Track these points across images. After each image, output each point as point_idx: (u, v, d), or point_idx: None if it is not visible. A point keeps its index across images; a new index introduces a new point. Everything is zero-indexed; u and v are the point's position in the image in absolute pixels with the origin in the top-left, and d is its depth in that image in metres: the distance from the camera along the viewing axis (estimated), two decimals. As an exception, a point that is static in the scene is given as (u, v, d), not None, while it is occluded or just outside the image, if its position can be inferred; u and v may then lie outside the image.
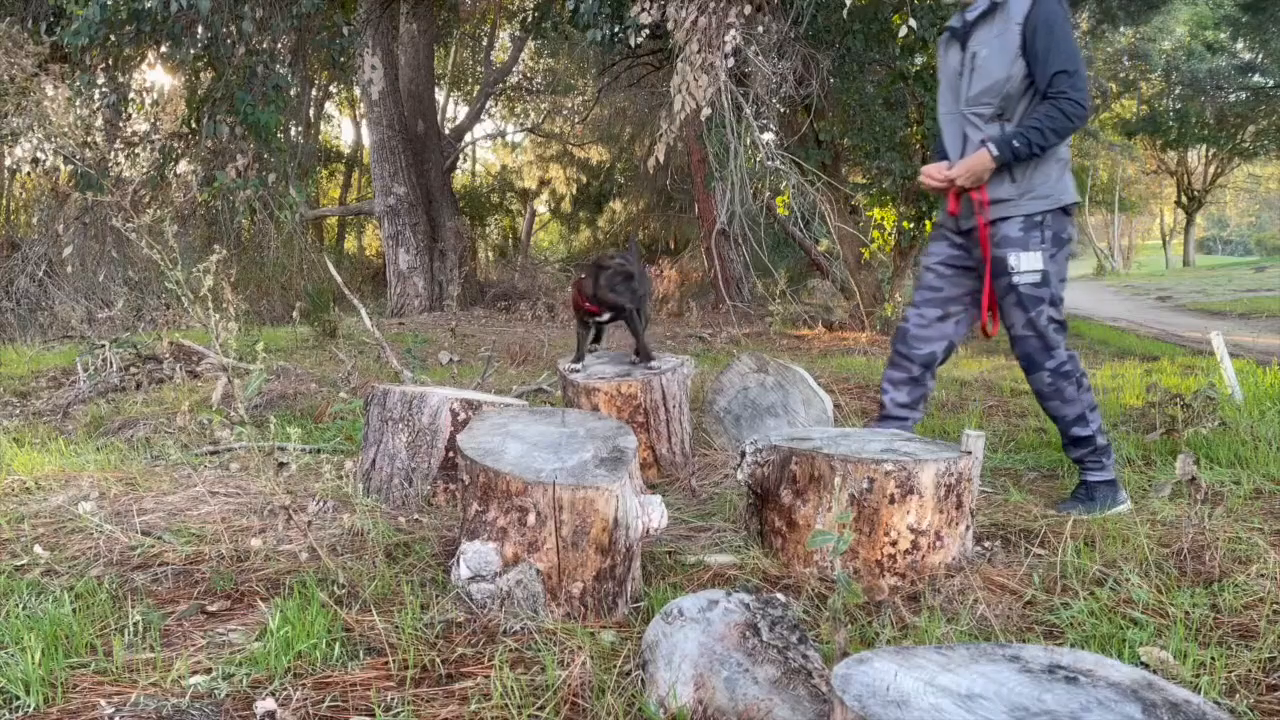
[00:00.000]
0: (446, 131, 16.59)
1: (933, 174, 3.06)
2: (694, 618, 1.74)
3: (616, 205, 21.01)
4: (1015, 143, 2.84)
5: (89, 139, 8.21)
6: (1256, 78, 26.02)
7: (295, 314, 8.23)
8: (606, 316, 3.74)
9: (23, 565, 2.37)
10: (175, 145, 8.73)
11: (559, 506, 2.06)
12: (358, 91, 16.00)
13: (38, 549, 2.45)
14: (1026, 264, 2.94)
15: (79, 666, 1.84)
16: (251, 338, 5.82)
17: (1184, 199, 33.17)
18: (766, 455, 2.55)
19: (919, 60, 9.25)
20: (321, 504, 2.90)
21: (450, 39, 17.62)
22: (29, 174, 10.12)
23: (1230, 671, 1.82)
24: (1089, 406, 3.05)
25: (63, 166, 8.57)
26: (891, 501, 2.33)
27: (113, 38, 7.29)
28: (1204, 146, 29.76)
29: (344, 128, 23.32)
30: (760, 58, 7.09)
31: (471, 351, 7.37)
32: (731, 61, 6.72)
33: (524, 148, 23.79)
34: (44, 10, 7.88)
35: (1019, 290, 2.96)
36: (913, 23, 7.47)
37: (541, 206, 22.96)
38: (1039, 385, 3.07)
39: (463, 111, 19.96)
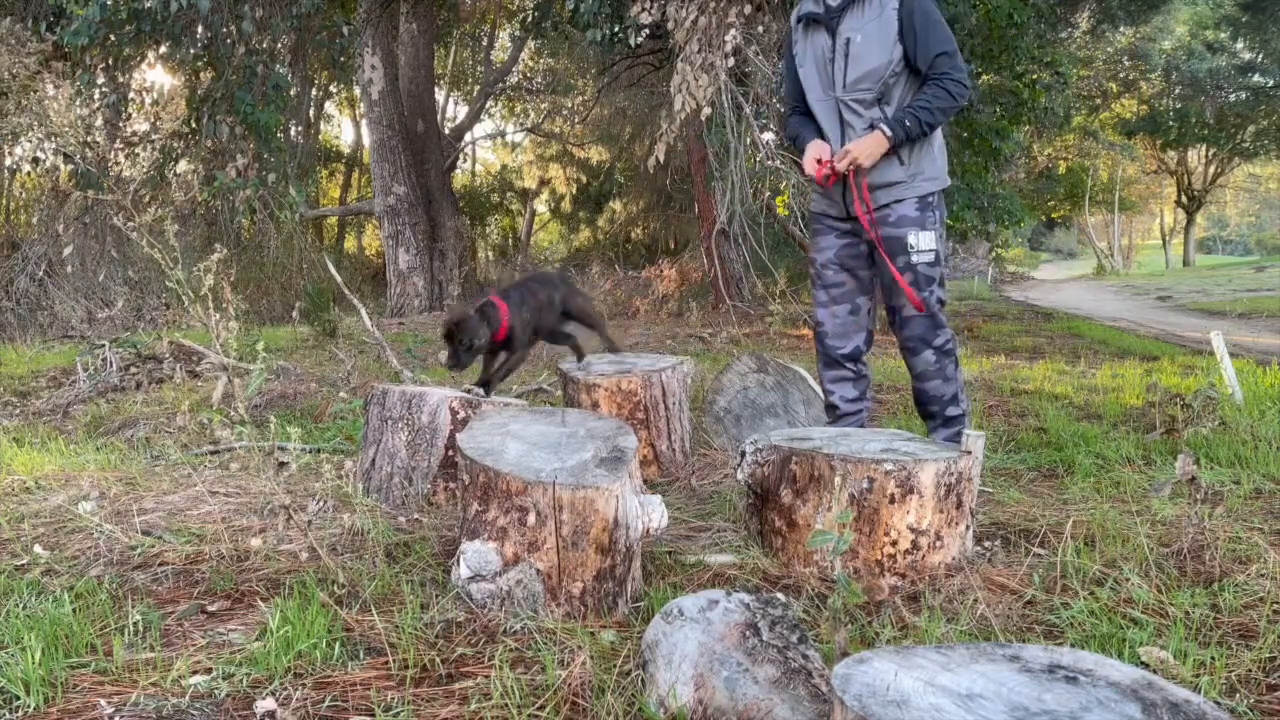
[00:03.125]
0: (446, 131, 16.60)
1: (821, 156, 3.02)
2: (694, 618, 1.74)
3: (616, 205, 21.01)
4: (907, 122, 2.86)
5: (89, 138, 8.21)
6: (1256, 78, 26.04)
7: (295, 314, 8.23)
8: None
9: (23, 565, 2.38)
10: (175, 145, 8.74)
11: (559, 506, 2.06)
12: (358, 91, 16.00)
13: (38, 549, 2.45)
14: (924, 243, 3.00)
15: (79, 666, 1.84)
16: (251, 337, 5.82)
17: (1184, 199, 33.20)
18: (766, 455, 2.55)
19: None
20: (321, 504, 2.90)
21: (450, 39, 17.62)
22: (29, 174, 10.12)
23: (1230, 671, 1.82)
24: (960, 385, 3.17)
25: (63, 166, 8.57)
26: (891, 501, 2.33)
27: (113, 37, 7.30)
28: (1204, 146, 29.78)
29: (344, 128, 23.34)
30: (760, 58, 7.08)
31: (471, 351, 7.35)
32: (731, 61, 6.72)
33: (524, 147, 23.81)
34: (44, 10, 7.88)
35: (916, 269, 3.01)
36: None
37: (541, 206, 22.97)
38: (923, 365, 3.11)
39: (463, 111, 19.98)
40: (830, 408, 3.28)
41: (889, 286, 3.07)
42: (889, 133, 2.87)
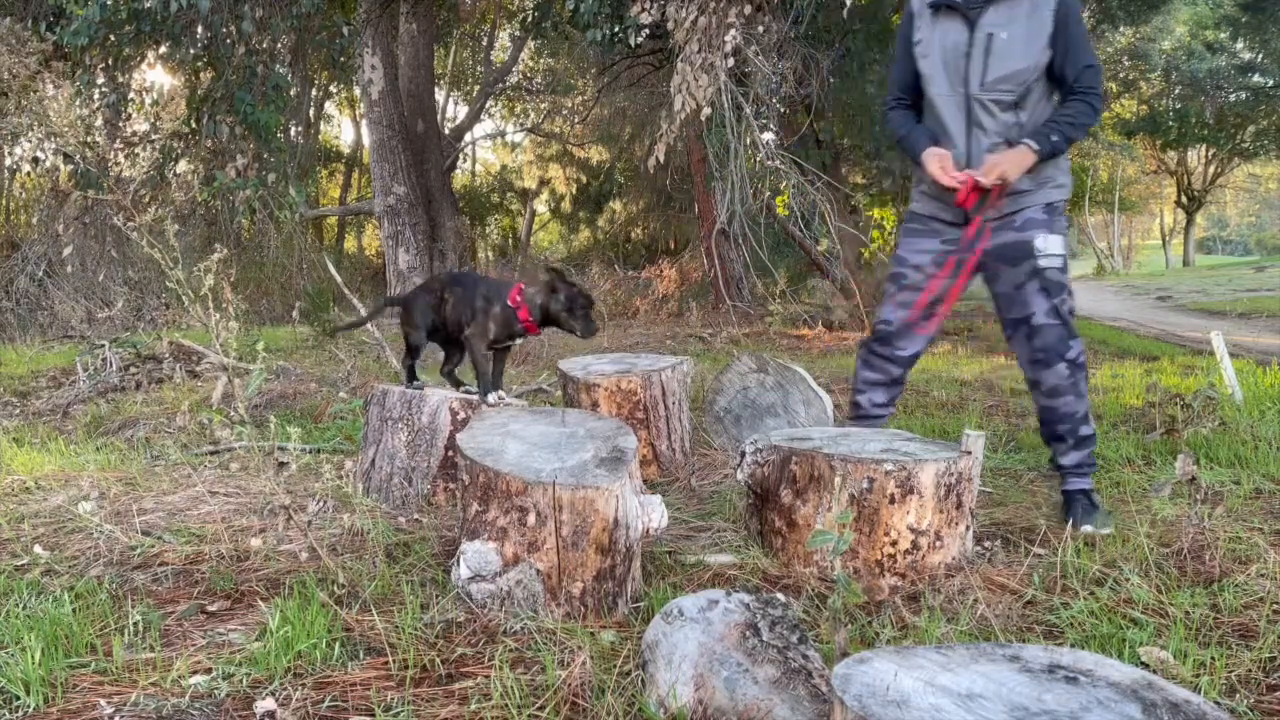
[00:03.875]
0: (446, 131, 16.60)
1: (947, 167, 2.78)
2: (694, 618, 1.74)
3: (616, 205, 21.01)
4: (1054, 137, 2.68)
5: (89, 138, 8.21)
6: (1256, 78, 26.02)
7: (295, 314, 8.23)
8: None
9: (23, 565, 2.38)
10: (175, 145, 8.74)
11: (559, 506, 2.06)
12: (358, 91, 16.01)
13: (38, 549, 2.45)
14: (1052, 246, 2.77)
15: (79, 666, 1.84)
16: (251, 338, 5.82)
17: (1184, 199, 33.18)
18: (766, 455, 2.55)
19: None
20: (321, 504, 2.90)
21: (450, 39, 17.62)
22: (29, 174, 10.12)
23: (1230, 671, 1.82)
24: (1089, 403, 2.90)
25: (63, 166, 8.57)
26: (891, 501, 2.32)
27: (113, 37, 7.30)
28: (1204, 146, 29.77)
29: (344, 128, 23.35)
30: (760, 58, 7.09)
31: (471, 351, 7.35)
32: (731, 61, 6.72)
33: (524, 148, 23.81)
34: (44, 10, 7.88)
35: (1045, 275, 2.77)
36: (913, 23, 7.45)
37: (541, 206, 22.97)
38: (1055, 379, 2.82)
39: (463, 111, 19.98)
40: (854, 405, 3.11)
41: (1008, 296, 2.83)
42: (1036, 148, 2.67)
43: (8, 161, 10.80)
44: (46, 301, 9.29)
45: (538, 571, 2.09)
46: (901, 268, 2.99)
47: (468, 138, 20.41)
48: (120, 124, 8.80)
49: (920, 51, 2.87)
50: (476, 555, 2.11)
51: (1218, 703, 1.71)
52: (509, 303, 2.95)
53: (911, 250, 2.97)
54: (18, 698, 1.71)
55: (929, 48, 2.84)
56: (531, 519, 2.08)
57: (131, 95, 8.71)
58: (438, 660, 1.87)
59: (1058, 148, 2.70)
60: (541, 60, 19.58)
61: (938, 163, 2.79)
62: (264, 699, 1.70)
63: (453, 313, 3.06)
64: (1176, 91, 28.20)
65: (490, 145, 24.81)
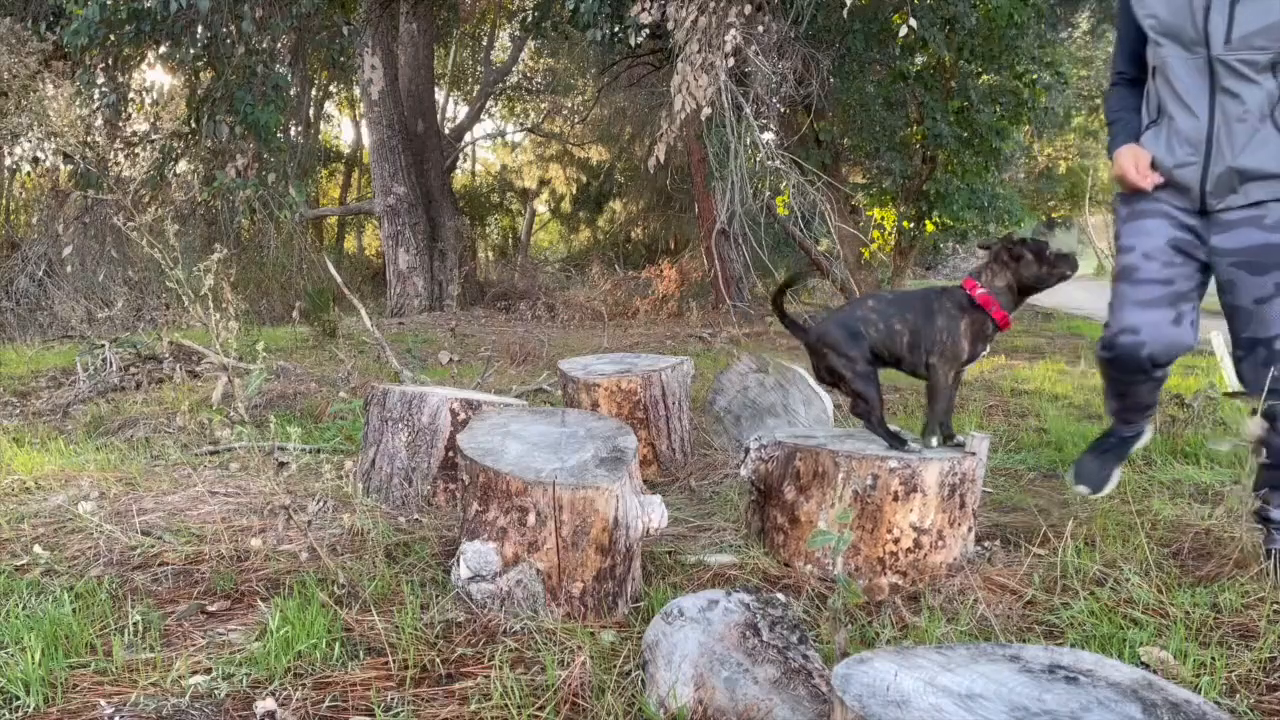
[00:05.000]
0: (446, 131, 16.60)
1: (1141, 165, 2.36)
2: (694, 618, 1.74)
3: (616, 205, 21.01)
4: None
5: (89, 138, 8.21)
6: (1256, 78, 25.96)
7: (295, 314, 8.23)
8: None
9: (23, 565, 2.37)
10: (175, 145, 8.74)
11: (559, 506, 2.06)
12: (358, 91, 16.01)
13: (38, 549, 2.45)
14: None
15: (79, 666, 1.83)
16: (251, 338, 5.82)
17: (1184, 199, 33.13)
18: (771, 451, 2.55)
19: (919, 60, 9.25)
20: (321, 504, 2.90)
21: (450, 39, 17.62)
22: (29, 174, 10.12)
23: (1230, 671, 1.82)
24: None
25: (63, 166, 8.57)
26: (895, 499, 2.32)
27: (112, 37, 7.29)
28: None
29: (344, 128, 23.32)
30: (760, 58, 7.09)
31: (471, 351, 7.37)
32: (731, 61, 6.72)
33: (524, 147, 23.80)
34: (44, 10, 7.88)
35: None
36: (913, 22, 7.47)
37: (541, 206, 22.97)
38: None
39: (463, 111, 19.97)
40: (1125, 423, 2.57)
41: (1247, 312, 2.28)
42: None
43: (8, 161, 10.80)
44: (46, 301, 9.29)
45: (538, 571, 2.09)
46: (1126, 259, 2.43)
47: (468, 138, 20.40)
48: (120, 124, 8.80)
49: (1144, 10, 2.35)
50: (476, 555, 2.11)
51: (1218, 703, 1.71)
52: (978, 302, 2.47)
53: (1138, 234, 2.42)
54: (18, 698, 1.71)
55: (1156, 4, 2.32)
56: (531, 519, 2.07)
57: (131, 95, 8.70)
58: (438, 660, 1.87)
59: None
60: (541, 60, 19.57)
61: (1131, 160, 2.37)
62: (264, 699, 1.70)
63: (911, 341, 2.49)
64: (1177, 91, 28.14)
65: (490, 145, 24.79)
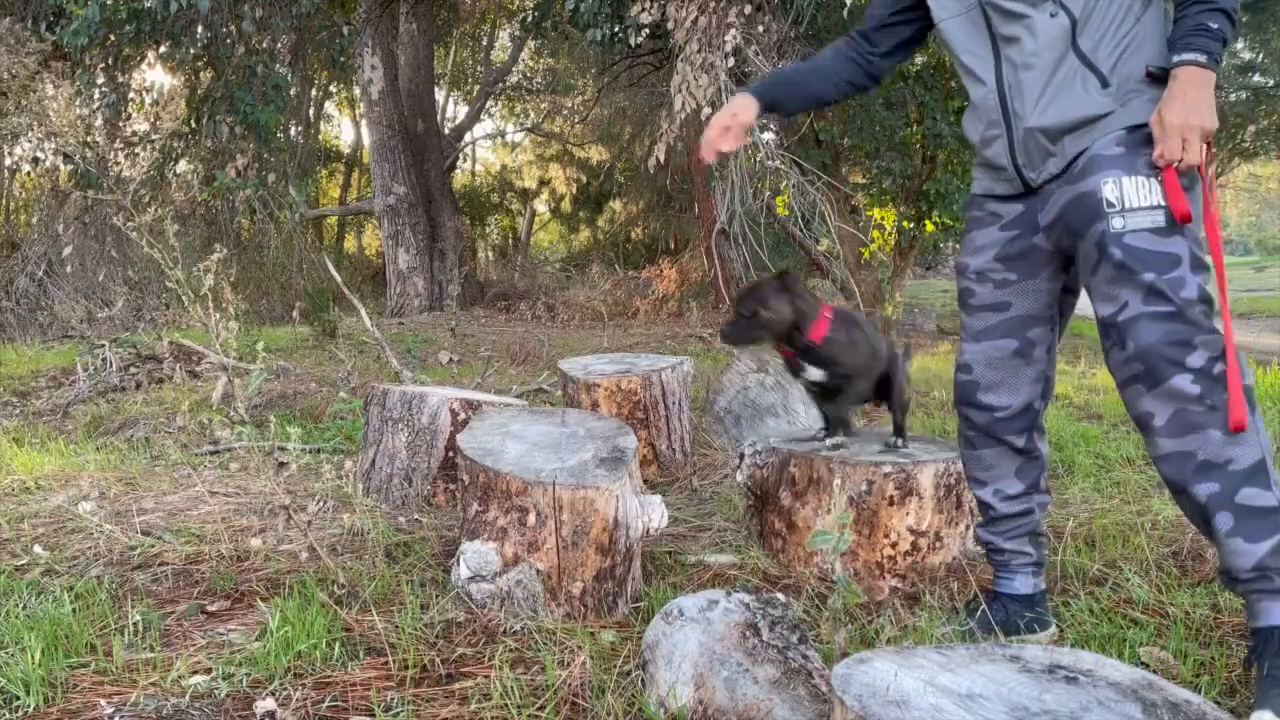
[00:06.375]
0: (446, 131, 16.60)
1: (727, 123, 2.12)
2: (694, 618, 1.74)
3: (616, 205, 21.01)
4: (1211, 25, 1.67)
5: (89, 138, 8.21)
6: (1256, 77, 25.99)
7: (295, 314, 8.23)
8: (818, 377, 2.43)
9: (23, 565, 2.37)
10: (175, 145, 8.74)
11: (559, 506, 2.06)
12: (358, 91, 16.00)
13: (38, 549, 2.45)
14: (1134, 195, 1.75)
15: (79, 666, 1.83)
16: (251, 338, 5.82)
17: (1184, 199, 33.14)
18: (765, 458, 2.55)
19: (919, 60, 9.24)
20: (321, 504, 2.90)
21: (450, 39, 17.61)
22: (29, 174, 10.12)
23: (1230, 671, 1.82)
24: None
25: (63, 166, 8.57)
26: (891, 503, 2.33)
27: (112, 37, 7.29)
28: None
29: (344, 128, 23.33)
30: (760, 58, 7.09)
31: (471, 351, 7.37)
32: (731, 61, 6.72)
33: (524, 147, 23.80)
34: (44, 10, 7.88)
35: (1124, 243, 1.73)
36: (913, 22, 7.45)
37: (541, 206, 22.97)
38: (1171, 404, 1.66)
39: (463, 111, 19.97)
40: (983, 506, 2.07)
41: (1090, 289, 1.79)
42: (1202, 59, 1.64)
43: (8, 161, 10.80)
44: (46, 301, 9.29)
45: (538, 571, 2.09)
46: (963, 282, 2.06)
47: (468, 138, 20.41)
48: (120, 124, 8.80)
49: None
50: (476, 555, 2.11)
51: (1218, 703, 1.71)
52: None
53: (970, 250, 2.03)
54: (18, 698, 1.71)
55: None
56: (531, 519, 2.08)
57: (131, 95, 8.70)
58: (438, 660, 1.87)
59: (1220, 38, 1.66)
60: (541, 60, 19.56)
61: (718, 119, 2.11)
62: (264, 699, 1.70)
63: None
64: (1176, 91, 28.17)
65: (490, 145, 24.80)
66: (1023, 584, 2.04)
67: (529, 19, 12.36)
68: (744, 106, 2.10)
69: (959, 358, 2.03)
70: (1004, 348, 1.96)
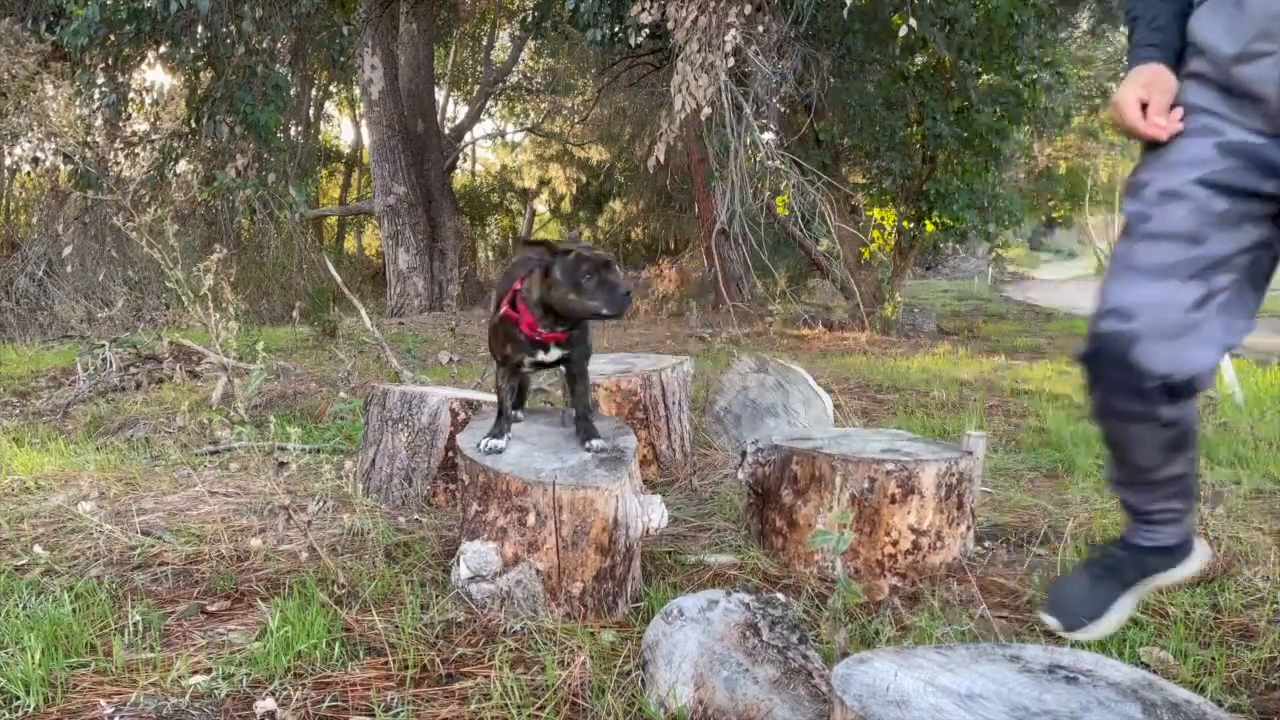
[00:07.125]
0: (446, 131, 16.61)
1: (1145, 98, 1.50)
2: (694, 618, 1.74)
3: (616, 205, 21.03)
4: None
5: (89, 138, 8.21)
6: (1257, 77, 25.99)
7: (295, 314, 8.22)
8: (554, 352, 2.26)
9: (23, 565, 2.37)
10: (175, 145, 8.74)
11: (559, 506, 2.06)
12: (358, 91, 16.01)
13: (38, 549, 2.45)
14: None
15: (79, 666, 1.83)
16: (251, 338, 5.82)
17: (1184, 199, 33.12)
18: (767, 455, 2.55)
19: (919, 60, 9.25)
20: (321, 504, 2.90)
21: (450, 39, 17.62)
22: (29, 174, 10.13)
23: (1230, 671, 1.82)
24: None
25: (63, 166, 8.57)
26: (893, 501, 2.32)
27: (112, 37, 7.30)
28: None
29: (344, 128, 23.34)
30: (760, 58, 7.09)
31: (471, 351, 7.37)
32: (731, 61, 6.72)
33: (524, 147, 23.81)
34: (44, 10, 7.88)
35: None
36: (913, 22, 7.48)
37: (541, 206, 22.98)
38: None
39: (463, 111, 19.98)
40: (1139, 518, 1.76)
41: None
42: None
43: (8, 161, 10.81)
44: (46, 301, 9.29)
45: (538, 571, 2.09)
46: (1135, 201, 1.59)
47: (468, 138, 20.42)
48: (120, 124, 8.81)
49: None
50: (476, 555, 2.11)
51: (1218, 703, 1.71)
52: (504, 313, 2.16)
53: (1163, 165, 1.53)
54: (18, 698, 1.71)
55: None
56: (531, 519, 2.07)
57: (131, 95, 8.71)
58: (438, 660, 1.87)
59: None
60: (541, 60, 19.57)
61: (1137, 91, 1.50)
62: (264, 699, 1.70)
63: None
64: (1177, 91, 28.15)
65: (490, 145, 24.80)
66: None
67: (529, 19, 12.37)
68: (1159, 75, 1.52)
69: (1109, 298, 1.53)
70: (1189, 291, 1.46)
